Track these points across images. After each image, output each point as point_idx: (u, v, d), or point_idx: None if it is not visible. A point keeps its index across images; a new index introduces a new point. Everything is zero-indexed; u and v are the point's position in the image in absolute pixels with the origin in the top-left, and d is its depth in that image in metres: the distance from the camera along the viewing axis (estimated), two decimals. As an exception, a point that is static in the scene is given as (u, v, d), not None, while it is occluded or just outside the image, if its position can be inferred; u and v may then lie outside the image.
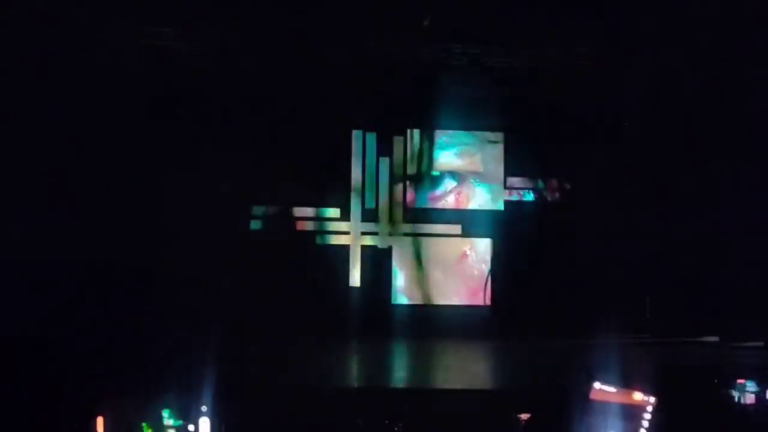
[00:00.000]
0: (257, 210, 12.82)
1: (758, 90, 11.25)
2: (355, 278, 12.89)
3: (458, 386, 8.57)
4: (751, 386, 6.21)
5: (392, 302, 12.87)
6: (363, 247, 12.92)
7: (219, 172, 12.21)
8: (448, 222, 13.08)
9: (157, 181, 12.00)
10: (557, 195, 13.06)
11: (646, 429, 4.65)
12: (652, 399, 4.81)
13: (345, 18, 11.61)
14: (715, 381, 6.30)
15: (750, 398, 6.14)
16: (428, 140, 13.18)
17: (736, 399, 6.20)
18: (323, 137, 12.65)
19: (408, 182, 13.11)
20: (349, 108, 12.56)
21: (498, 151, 13.14)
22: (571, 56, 12.22)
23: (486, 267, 12.99)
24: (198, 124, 12.25)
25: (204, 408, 6.17)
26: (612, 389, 4.93)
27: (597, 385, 4.97)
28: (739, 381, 6.34)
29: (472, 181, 13.17)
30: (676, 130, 11.99)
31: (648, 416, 4.77)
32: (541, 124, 12.65)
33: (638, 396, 4.86)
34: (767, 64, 11.02)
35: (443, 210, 13.12)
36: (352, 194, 12.97)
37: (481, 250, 13.07)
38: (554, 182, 13.08)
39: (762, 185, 11.44)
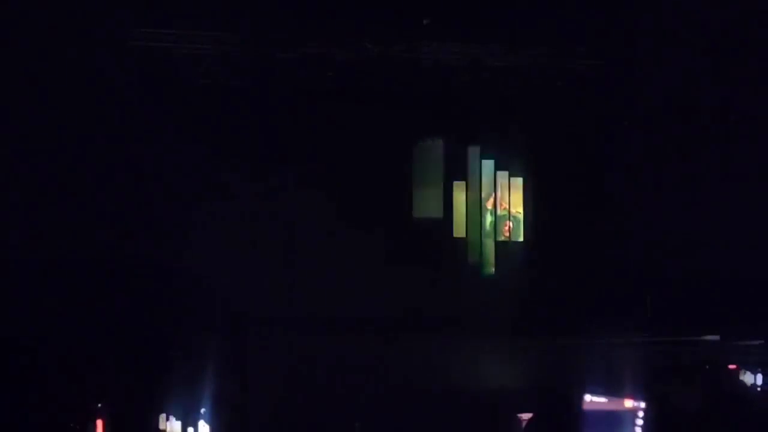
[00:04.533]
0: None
1: (758, 90, 11.24)
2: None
3: (459, 386, 8.59)
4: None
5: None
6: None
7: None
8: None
9: (162, 185, 12.08)
10: (556, 195, 13.06)
11: (638, 435, 4.70)
12: (643, 404, 4.84)
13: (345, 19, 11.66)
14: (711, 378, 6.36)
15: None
16: None
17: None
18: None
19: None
20: None
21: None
22: (571, 56, 12.24)
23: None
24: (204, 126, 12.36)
25: (203, 411, 6.21)
26: (603, 399, 4.95)
27: (588, 397, 5.00)
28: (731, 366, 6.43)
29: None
30: (676, 130, 11.99)
31: (640, 422, 4.81)
32: (540, 125, 12.68)
33: (629, 403, 4.89)
34: (766, 64, 11.01)
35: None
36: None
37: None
38: (553, 182, 13.09)
39: (761, 185, 11.44)
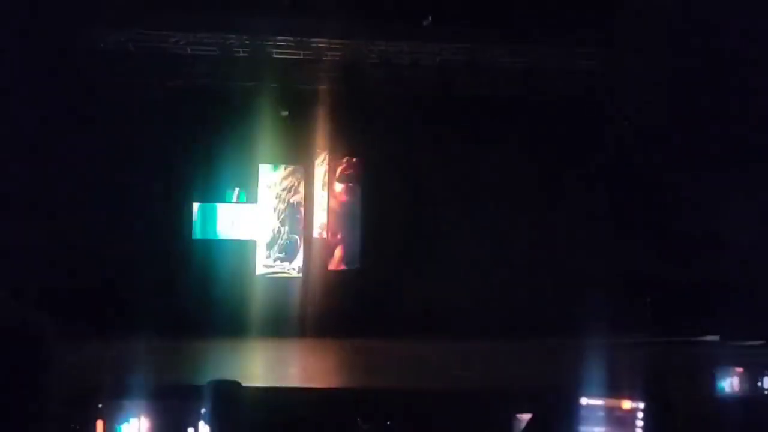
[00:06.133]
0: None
1: (756, 91, 11.25)
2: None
3: (457, 386, 8.59)
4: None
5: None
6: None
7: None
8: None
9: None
10: (556, 194, 13.08)
11: (638, 435, 4.68)
12: (641, 405, 4.82)
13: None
14: (711, 376, 6.36)
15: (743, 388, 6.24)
16: None
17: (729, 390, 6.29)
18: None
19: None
20: None
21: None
22: (571, 56, 12.26)
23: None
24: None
25: (203, 411, 6.18)
26: (599, 401, 4.93)
27: (584, 400, 4.97)
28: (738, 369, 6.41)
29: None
30: (676, 131, 12.01)
31: (640, 422, 4.79)
32: (540, 124, 12.69)
33: (628, 404, 4.87)
34: (765, 65, 11.02)
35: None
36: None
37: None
38: (554, 183, 13.11)
39: (761, 185, 11.45)
